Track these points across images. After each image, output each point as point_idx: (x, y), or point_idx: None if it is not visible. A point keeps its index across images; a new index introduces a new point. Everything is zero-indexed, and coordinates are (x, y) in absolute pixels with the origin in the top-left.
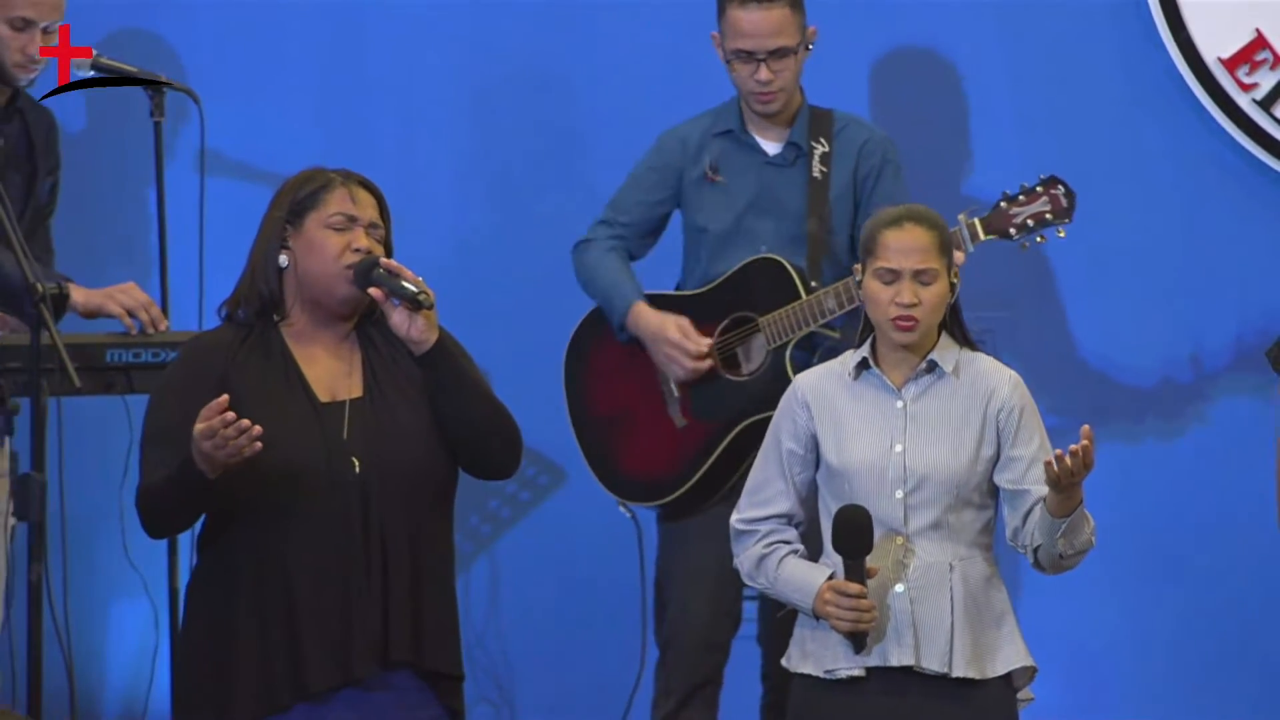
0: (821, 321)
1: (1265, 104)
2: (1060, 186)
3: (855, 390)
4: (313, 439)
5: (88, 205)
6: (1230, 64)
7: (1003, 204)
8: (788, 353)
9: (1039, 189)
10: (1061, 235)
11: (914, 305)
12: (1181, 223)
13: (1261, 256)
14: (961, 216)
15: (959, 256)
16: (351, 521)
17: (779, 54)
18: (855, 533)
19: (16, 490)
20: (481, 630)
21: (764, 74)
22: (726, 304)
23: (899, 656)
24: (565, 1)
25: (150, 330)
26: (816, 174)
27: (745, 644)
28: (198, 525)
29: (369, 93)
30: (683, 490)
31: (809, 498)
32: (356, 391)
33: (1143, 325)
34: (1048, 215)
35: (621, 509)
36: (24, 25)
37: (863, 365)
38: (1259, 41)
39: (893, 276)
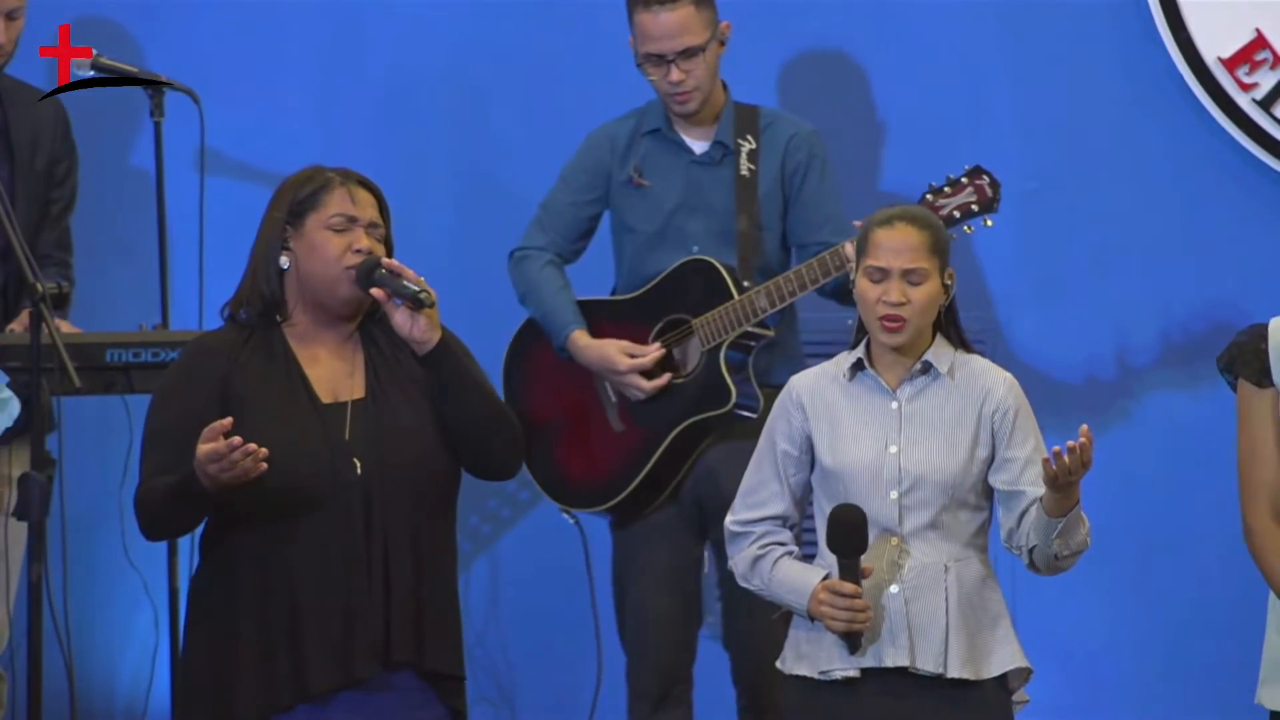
0: (755, 321)
1: (1265, 104)
2: (985, 177)
3: (850, 391)
4: (315, 440)
5: (88, 205)
6: (1230, 64)
7: (929, 196)
8: (722, 353)
9: (964, 180)
10: (988, 225)
11: (902, 304)
12: (1181, 223)
13: (1262, 256)
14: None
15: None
16: (353, 522)
17: (688, 54)
18: (850, 533)
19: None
20: (481, 630)
21: (675, 75)
22: (660, 307)
23: (894, 657)
24: (565, 1)
25: None
26: (744, 171)
27: (714, 644)
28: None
29: (369, 93)
30: (624, 494)
31: (804, 499)
32: (359, 392)
33: (1141, 325)
34: (974, 206)
35: (564, 515)
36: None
37: (858, 366)
38: (1259, 41)
39: (882, 275)
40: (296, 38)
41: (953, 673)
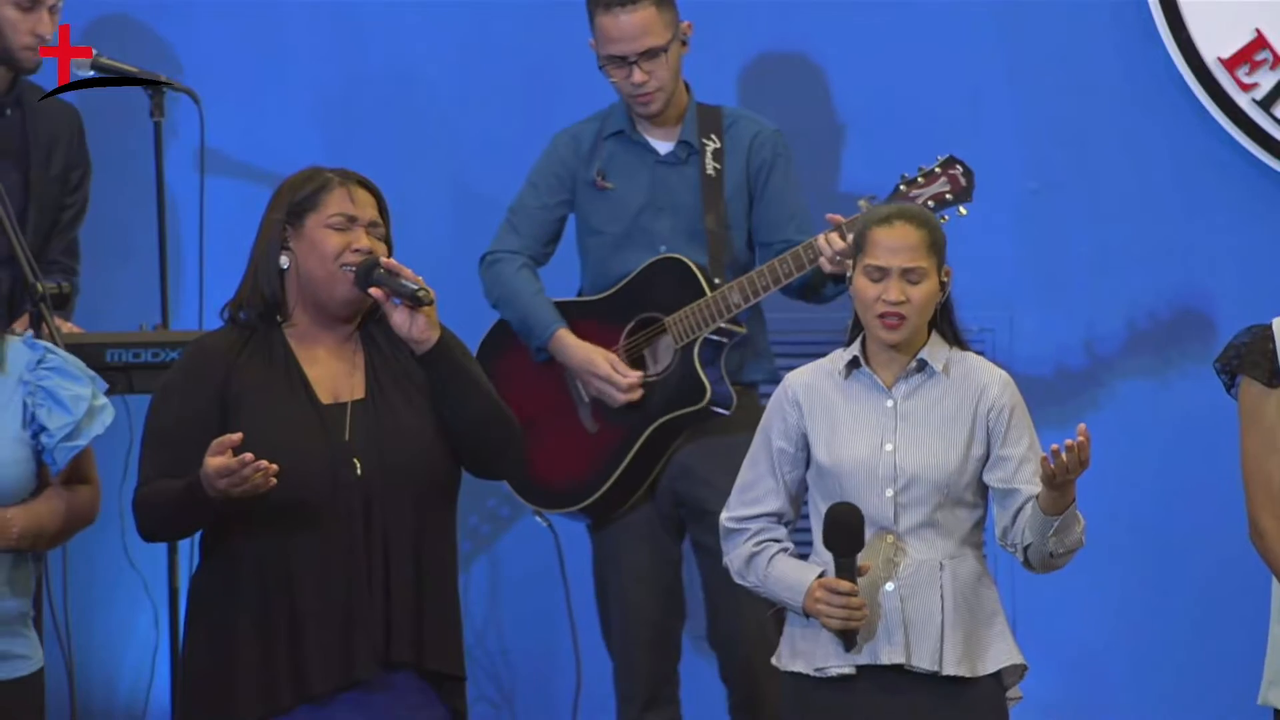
0: (727, 317)
1: (1265, 104)
2: (959, 166)
3: (846, 389)
4: (315, 440)
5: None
6: (1230, 64)
7: (902, 187)
8: (695, 350)
9: (937, 170)
10: (963, 214)
11: (901, 303)
12: (1181, 222)
13: (1261, 256)
14: (862, 202)
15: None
16: (353, 522)
17: (649, 54)
18: (846, 531)
19: None
20: (481, 630)
21: (637, 76)
22: (631, 306)
23: (889, 655)
24: (565, 2)
25: None
26: (710, 171)
27: (700, 644)
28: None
29: (369, 93)
30: (598, 495)
31: (799, 496)
32: (359, 393)
33: (1141, 325)
34: (948, 195)
35: (537, 518)
36: (31, 5)
37: (853, 364)
38: (1259, 41)
39: (881, 274)
40: (296, 38)
41: (948, 670)
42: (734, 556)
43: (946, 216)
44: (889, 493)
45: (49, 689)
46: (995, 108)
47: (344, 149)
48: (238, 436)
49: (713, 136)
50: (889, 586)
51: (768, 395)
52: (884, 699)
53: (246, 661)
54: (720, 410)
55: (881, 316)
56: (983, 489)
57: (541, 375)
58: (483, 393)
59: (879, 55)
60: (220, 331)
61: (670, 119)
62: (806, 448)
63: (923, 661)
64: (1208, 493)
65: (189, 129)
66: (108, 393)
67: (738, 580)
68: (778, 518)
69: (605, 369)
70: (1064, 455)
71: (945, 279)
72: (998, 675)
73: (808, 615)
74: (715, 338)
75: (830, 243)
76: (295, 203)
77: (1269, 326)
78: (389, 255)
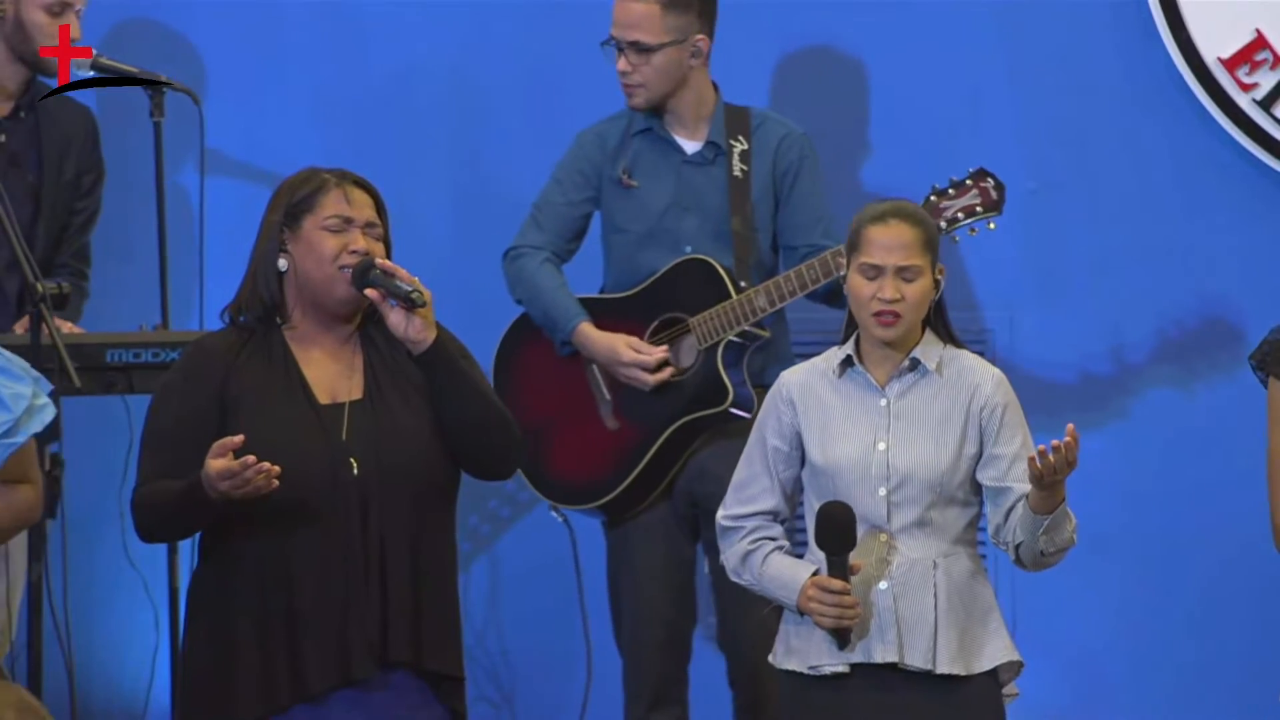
0: (753, 320)
1: (1265, 104)
2: (990, 179)
3: (839, 388)
4: (312, 440)
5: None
6: (1230, 64)
7: (932, 198)
8: (719, 352)
9: (968, 182)
10: (992, 228)
11: (896, 301)
12: (1181, 223)
13: (1261, 256)
14: None
15: None
16: (350, 522)
17: (636, 47)
18: (838, 529)
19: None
20: (481, 630)
21: (621, 64)
22: (656, 305)
23: (883, 653)
24: (565, 3)
25: None
26: (737, 172)
27: (709, 645)
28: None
29: (369, 93)
30: (617, 492)
31: (794, 495)
32: (357, 393)
33: (1142, 325)
34: (978, 208)
35: (553, 513)
36: (61, 10)
37: (847, 363)
38: (1259, 41)
39: (876, 272)
40: (296, 38)
41: (941, 668)
42: (729, 554)
43: (976, 230)
44: (882, 491)
45: (49, 689)
46: (995, 108)
47: (344, 149)
48: (239, 439)
49: (740, 137)
50: (882, 585)
51: None
52: (878, 697)
53: (245, 661)
54: (741, 413)
55: (876, 314)
56: (976, 487)
57: (563, 372)
58: (480, 394)
59: (879, 55)
60: (220, 333)
61: (695, 118)
62: (800, 446)
63: (916, 660)
64: (1208, 493)
65: (189, 129)
66: (108, 392)
67: (733, 578)
68: (773, 516)
69: (629, 354)
70: (1051, 456)
71: (939, 277)
72: (993, 673)
73: (802, 613)
74: (739, 340)
75: None
76: (292, 204)
77: None
78: (387, 255)
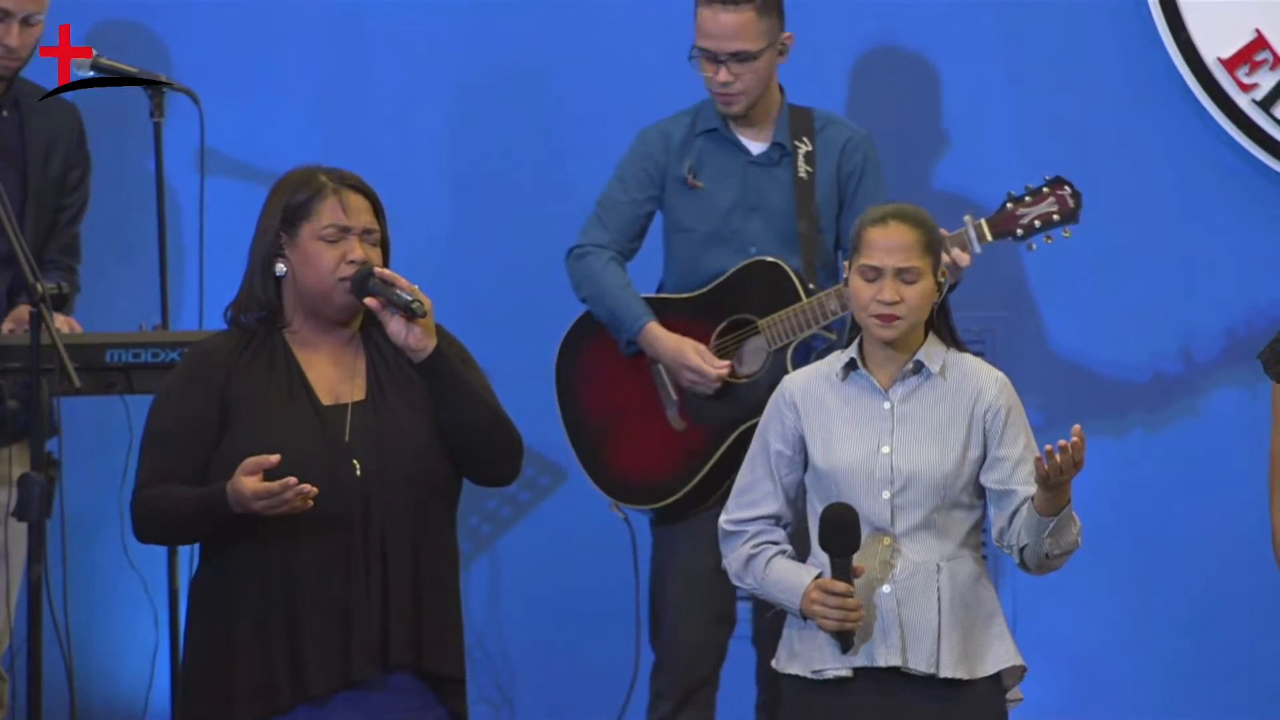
0: (823, 323)
1: (1265, 104)
2: (1067, 188)
3: (843, 391)
4: (314, 441)
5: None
6: (1230, 64)
7: (1009, 205)
8: (789, 355)
9: (1045, 189)
10: (1067, 235)
11: (895, 303)
12: (1181, 223)
13: (1261, 256)
14: (967, 218)
15: (964, 258)
16: (352, 523)
17: (739, 57)
18: (842, 531)
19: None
20: (481, 630)
21: (723, 75)
22: (724, 306)
23: (886, 657)
24: (564, 4)
25: None
26: (802, 174)
27: (741, 644)
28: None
29: (369, 93)
30: (682, 493)
31: (797, 499)
32: (359, 394)
33: (1142, 325)
34: (1055, 216)
35: (614, 510)
36: (2, 16)
37: (850, 366)
38: (1259, 41)
39: (875, 274)
40: (296, 38)
41: (945, 672)
42: (732, 559)
43: (1051, 237)
44: (885, 495)
45: (48, 689)
46: (995, 108)
47: (344, 149)
48: (275, 459)
49: (805, 139)
50: (885, 589)
51: None
52: (881, 701)
53: (246, 661)
54: None
55: (876, 316)
56: (980, 491)
57: (627, 371)
58: (481, 401)
59: (878, 55)
60: (221, 334)
61: (762, 119)
62: (804, 450)
63: (919, 664)
64: (1208, 493)
65: (189, 129)
66: (108, 393)
67: (736, 582)
68: (775, 520)
69: (695, 360)
70: (1057, 456)
71: (942, 279)
72: (997, 677)
73: (804, 617)
74: (809, 343)
75: (958, 260)
76: (289, 209)
77: None
78: (386, 257)
